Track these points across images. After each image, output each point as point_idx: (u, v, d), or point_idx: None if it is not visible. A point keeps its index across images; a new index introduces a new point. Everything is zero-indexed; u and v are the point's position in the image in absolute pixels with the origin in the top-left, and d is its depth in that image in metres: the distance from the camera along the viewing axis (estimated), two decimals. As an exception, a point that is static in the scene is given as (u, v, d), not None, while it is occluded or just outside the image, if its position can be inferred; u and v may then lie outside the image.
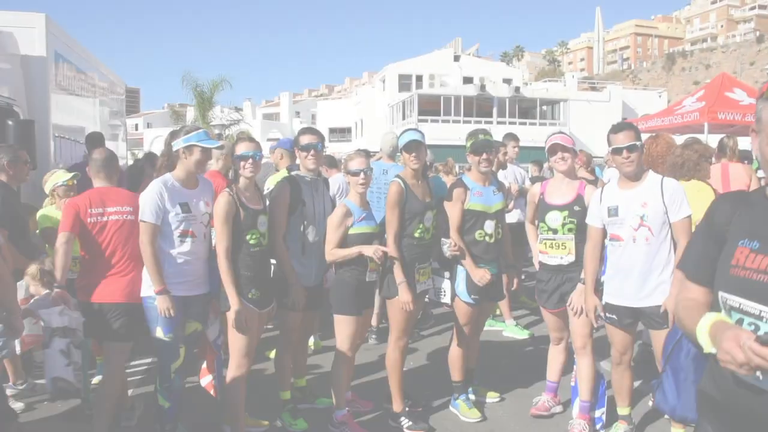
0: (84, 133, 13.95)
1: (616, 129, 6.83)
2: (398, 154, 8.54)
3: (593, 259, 7.03)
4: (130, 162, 20.63)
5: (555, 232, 7.49)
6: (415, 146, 7.47)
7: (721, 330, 2.79)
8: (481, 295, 7.81)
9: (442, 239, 7.72)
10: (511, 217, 11.70)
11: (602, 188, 7.08)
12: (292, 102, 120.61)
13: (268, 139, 73.61)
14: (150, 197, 6.56)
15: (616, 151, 6.68)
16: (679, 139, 9.39)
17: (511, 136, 12.85)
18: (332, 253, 7.26)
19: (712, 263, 3.23)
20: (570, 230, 7.42)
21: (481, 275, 7.56)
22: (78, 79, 14.97)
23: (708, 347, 2.85)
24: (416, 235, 7.50)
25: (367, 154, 7.67)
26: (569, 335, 7.88)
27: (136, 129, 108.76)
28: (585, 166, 12.18)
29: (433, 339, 11.44)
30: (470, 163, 7.84)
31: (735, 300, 3.00)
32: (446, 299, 7.79)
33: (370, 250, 7.07)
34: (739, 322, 2.94)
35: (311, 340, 9.92)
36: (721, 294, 3.09)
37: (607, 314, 6.96)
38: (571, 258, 7.43)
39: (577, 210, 7.38)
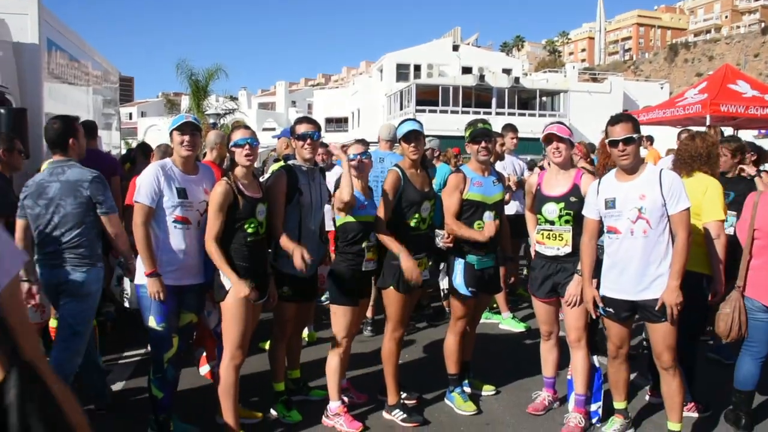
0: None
1: (613, 121, 6.84)
2: (396, 144, 8.56)
3: (590, 251, 7.06)
4: (124, 152, 20.66)
5: (552, 223, 7.50)
6: (414, 136, 7.51)
7: None
8: (479, 288, 7.85)
9: (436, 230, 7.79)
10: (510, 209, 11.75)
11: (599, 180, 7.08)
12: (288, 91, 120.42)
13: (264, 129, 73.62)
14: (146, 179, 6.62)
15: (613, 144, 6.70)
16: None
17: (510, 127, 12.90)
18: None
19: None
20: (567, 222, 7.43)
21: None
22: (71, 67, 14.94)
23: None
24: (412, 224, 7.52)
25: (365, 144, 7.73)
26: (559, 329, 7.98)
27: (130, 118, 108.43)
28: (585, 158, 12.19)
29: (428, 331, 11.47)
30: (469, 152, 7.89)
31: None
32: (444, 284, 7.77)
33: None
34: None
35: (305, 332, 9.95)
36: None
37: (605, 307, 6.99)
38: (568, 249, 7.43)
39: (573, 201, 7.39)
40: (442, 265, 9.01)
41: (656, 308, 6.61)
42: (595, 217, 6.98)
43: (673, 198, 6.52)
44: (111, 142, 19.63)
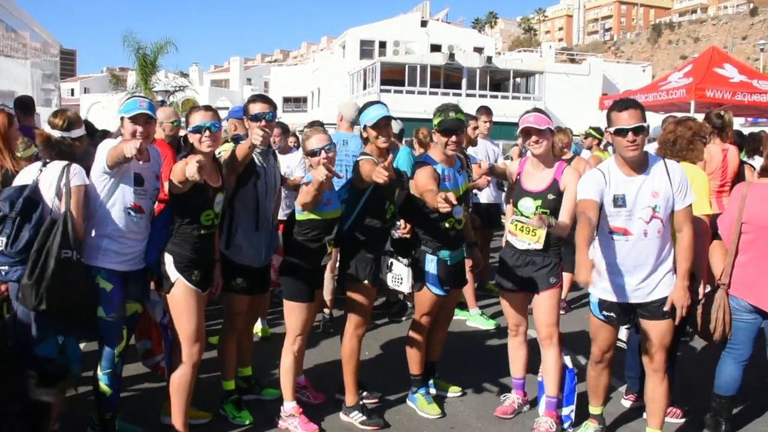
0: (13, 97, 13.74)
1: (620, 106, 6.48)
2: (358, 125, 8.44)
3: (587, 225, 6.21)
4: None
5: (528, 216, 7.44)
6: (384, 123, 7.40)
7: None
8: (449, 284, 7.88)
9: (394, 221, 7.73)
10: (482, 197, 11.78)
11: (602, 170, 6.72)
12: (243, 68, 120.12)
13: (217, 108, 73.33)
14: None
15: (621, 133, 6.35)
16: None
17: (484, 110, 12.88)
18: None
19: None
20: None
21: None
22: (7, 38, 14.79)
23: None
24: (387, 216, 7.54)
25: (323, 127, 7.61)
26: (527, 325, 8.00)
27: (72, 94, 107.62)
28: (567, 147, 12.18)
29: (390, 327, 11.51)
30: (436, 141, 7.74)
31: None
32: (403, 287, 7.72)
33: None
34: None
35: (258, 326, 9.93)
36: None
37: (604, 312, 6.93)
38: (539, 246, 7.40)
39: (551, 198, 7.31)
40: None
41: (665, 309, 6.60)
42: (597, 199, 6.50)
43: (681, 192, 6.45)
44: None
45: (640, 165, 6.53)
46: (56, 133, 6.59)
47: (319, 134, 7.30)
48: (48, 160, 6.50)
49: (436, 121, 7.61)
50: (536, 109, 7.64)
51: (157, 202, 7.00)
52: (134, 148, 5.85)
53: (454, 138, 7.52)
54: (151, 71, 49.55)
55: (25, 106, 11.72)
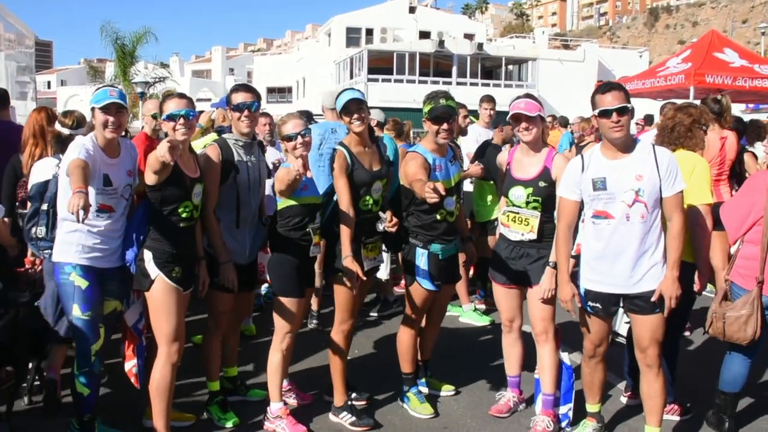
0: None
1: (603, 89, 6.59)
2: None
3: (566, 240, 6.93)
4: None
5: (519, 206, 7.47)
6: (355, 106, 7.40)
7: None
8: (443, 279, 7.85)
9: (379, 213, 7.64)
10: (470, 187, 11.74)
11: (583, 155, 6.90)
12: (225, 58, 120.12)
13: (198, 99, 73.21)
14: (81, 146, 6.39)
15: (604, 114, 6.43)
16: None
17: (487, 98, 12.89)
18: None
19: None
20: (534, 208, 7.39)
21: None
22: (-20, 30, 14.76)
23: None
24: (361, 207, 7.50)
25: (309, 117, 7.60)
26: (522, 320, 7.97)
27: (49, 87, 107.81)
28: (588, 134, 12.14)
29: (381, 324, 11.48)
30: (426, 129, 7.71)
31: None
32: (382, 273, 7.68)
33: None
34: None
35: (244, 325, 9.90)
36: None
37: (590, 303, 6.92)
38: (533, 236, 7.41)
39: (542, 186, 7.34)
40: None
41: (653, 299, 6.56)
42: (575, 199, 6.81)
43: (670, 178, 6.44)
44: (27, 113, 19.53)
45: (626, 148, 6.58)
46: (66, 131, 7.79)
47: (294, 119, 7.32)
48: (61, 156, 6.87)
49: (426, 109, 7.55)
50: (527, 95, 7.63)
51: (135, 197, 6.99)
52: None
53: (445, 126, 7.45)
54: (130, 62, 49.64)
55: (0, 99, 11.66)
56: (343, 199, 7.38)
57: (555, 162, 7.36)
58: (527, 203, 7.38)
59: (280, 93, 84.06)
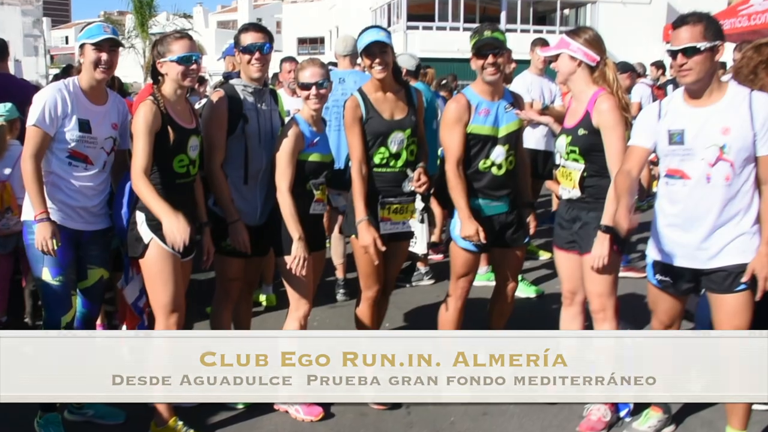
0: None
1: (677, 22, 5.89)
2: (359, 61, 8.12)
3: (623, 193, 6.05)
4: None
5: (564, 159, 7.05)
6: (379, 49, 7.08)
7: None
8: (492, 241, 7.37)
9: (407, 170, 7.35)
10: (529, 142, 11.32)
11: (659, 101, 6.33)
12: (252, 7, 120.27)
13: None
14: (46, 99, 6.24)
15: (671, 54, 5.86)
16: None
17: (540, 41, 12.61)
18: (285, 200, 6.89)
19: None
20: (575, 160, 6.90)
21: (471, 232, 7.08)
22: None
23: None
24: (376, 161, 7.24)
25: (323, 66, 7.27)
26: (584, 293, 7.43)
27: (66, 42, 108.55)
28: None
29: (416, 294, 11.20)
30: (474, 69, 7.30)
31: None
32: (417, 248, 7.43)
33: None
34: None
35: (263, 294, 9.82)
36: None
37: (657, 276, 6.49)
38: (577, 193, 6.90)
39: (580, 135, 6.81)
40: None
41: (743, 280, 5.95)
42: (646, 146, 6.21)
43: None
44: (37, 69, 19.60)
45: (707, 94, 5.94)
46: None
47: (313, 67, 7.05)
48: None
49: (472, 42, 7.24)
50: (568, 31, 7.14)
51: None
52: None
53: (490, 59, 7.06)
54: (149, 13, 49.66)
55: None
56: (354, 152, 7.18)
57: (597, 106, 6.73)
58: (568, 154, 6.93)
59: (312, 44, 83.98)
